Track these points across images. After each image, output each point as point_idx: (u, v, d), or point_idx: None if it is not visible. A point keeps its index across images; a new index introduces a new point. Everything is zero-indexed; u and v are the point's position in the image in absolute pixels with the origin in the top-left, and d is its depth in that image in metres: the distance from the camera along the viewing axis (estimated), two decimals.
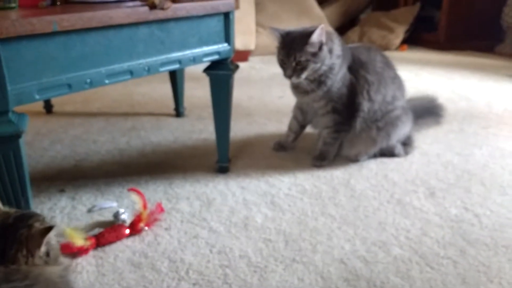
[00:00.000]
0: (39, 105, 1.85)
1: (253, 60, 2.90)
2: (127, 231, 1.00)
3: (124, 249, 0.97)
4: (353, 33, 3.35)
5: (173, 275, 0.89)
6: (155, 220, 1.05)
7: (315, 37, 1.22)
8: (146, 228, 1.03)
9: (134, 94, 2.15)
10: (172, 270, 0.91)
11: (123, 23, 0.92)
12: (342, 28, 3.59)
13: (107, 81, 0.93)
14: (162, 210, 1.09)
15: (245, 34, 2.79)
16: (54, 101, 1.88)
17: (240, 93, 2.14)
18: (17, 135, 0.78)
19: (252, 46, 2.85)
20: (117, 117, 1.82)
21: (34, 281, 0.62)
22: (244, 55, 2.87)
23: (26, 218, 0.68)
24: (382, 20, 3.30)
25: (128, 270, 0.91)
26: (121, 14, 0.90)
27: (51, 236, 0.67)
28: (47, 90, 0.85)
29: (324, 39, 1.24)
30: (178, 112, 1.82)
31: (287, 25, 1.59)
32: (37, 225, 0.67)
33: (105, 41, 0.93)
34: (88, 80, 0.92)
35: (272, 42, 3.22)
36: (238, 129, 1.67)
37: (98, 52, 0.92)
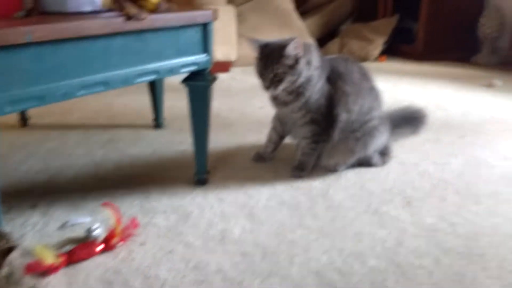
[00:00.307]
0: (14, 118, 1.81)
1: (234, 71, 2.91)
2: (100, 247, 0.97)
3: (96, 266, 0.94)
4: (334, 44, 3.40)
5: None
6: (129, 235, 1.03)
7: (289, 50, 1.23)
8: (120, 243, 1.01)
9: (114, 104, 2.13)
10: (145, 287, 0.89)
11: (97, 34, 0.91)
12: (323, 39, 3.64)
13: (81, 93, 0.92)
14: (136, 225, 1.06)
15: (227, 45, 2.80)
16: (31, 113, 1.84)
17: (220, 104, 2.14)
18: None
19: (233, 57, 2.86)
20: (96, 129, 1.79)
21: None
22: (225, 66, 2.88)
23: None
24: (361, 31, 3.36)
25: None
26: (95, 25, 0.90)
27: (15, 257, 0.65)
28: (18, 102, 0.83)
29: (300, 52, 1.25)
30: (158, 123, 1.80)
31: (268, 36, 1.60)
32: (1, 244, 0.65)
33: (79, 52, 0.91)
34: (62, 92, 0.90)
35: (253, 53, 3.25)
36: (218, 140, 1.66)
37: (72, 63, 0.91)
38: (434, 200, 1.24)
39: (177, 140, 1.67)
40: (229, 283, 0.90)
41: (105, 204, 1.04)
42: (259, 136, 1.71)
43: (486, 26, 3.17)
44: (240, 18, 3.06)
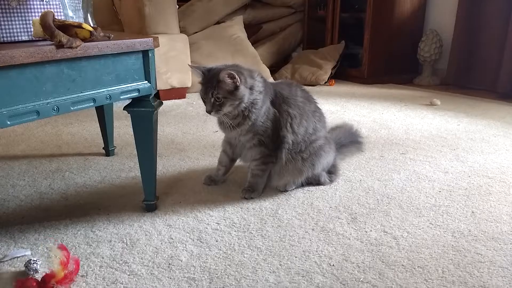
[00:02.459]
0: None
1: (190, 97, 2.93)
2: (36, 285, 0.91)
3: None
4: (286, 70, 3.52)
5: None
6: (70, 281, 0.96)
7: (222, 77, 1.26)
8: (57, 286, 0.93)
9: (63, 134, 2.07)
10: None
11: (26, 62, 0.89)
12: (276, 65, 3.76)
13: (9, 122, 0.88)
14: (78, 269, 0.99)
15: (181, 72, 2.82)
16: None
17: (175, 129, 2.14)
18: None
19: (188, 83, 2.89)
20: (42, 159, 1.73)
21: None
22: (181, 92, 2.89)
23: None
24: (311, 57, 3.51)
25: None
26: (23, 53, 0.88)
27: None
28: None
29: (237, 79, 1.27)
30: (108, 150, 1.76)
31: (222, 63, 1.63)
32: None
33: (7, 81, 0.89)
34: None
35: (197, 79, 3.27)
36: (170, 165, 1.65)
37: (0, 91, 0.88)
38: (378, 215, 1.29)
39: (127, 167, 1.64)
40: None
41: (60, 247, 0.97)
42: (212, 159, 1.72)
43: (425, 50, 3.41)
44: (194, 46, 3.10)
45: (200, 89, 1.33)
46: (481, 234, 1.18)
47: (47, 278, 0.94)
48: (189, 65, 1.37)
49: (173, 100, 2.78)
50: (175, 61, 2.79)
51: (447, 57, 3.37)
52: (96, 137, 1.96)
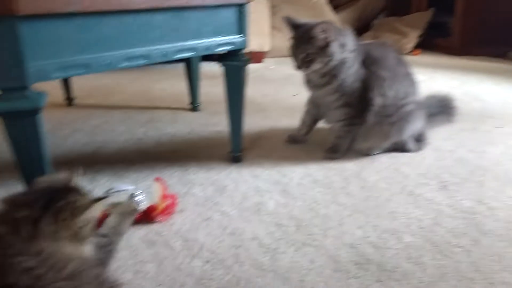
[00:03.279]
0: (60, 98, 1.91)
1: (267, 62, 2.94)
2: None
3: (138, 227, 0.99)
4: (367, 38, 3.37)
5: (186, 252, 0.91)
6: (170, 213, 1.04)
7: (316, 32, 1.24)
8: (159, 218, 1.02)
9: (152, 89, 2.20)
10: (185, 248, 0.93)
11: (139, 8, 0.95)
12: (356, 32, 3.60)
13: (124, 64, 0.95)
14: (177, 204, 1.07)
15: (260, 35, 2.83)
16: (75, 94, 1.93)
17: (254, 91, 2.17)
18: (35, 111, 0.78)
19: (266, 48, 2.89)
20: (136, 110, 1.87)
21: (44, 261, 0.57)
22: (259, 56, 2.91)
23: (75, 188, 0.71)
24: (395, 25, 3.32)
25: (143, 246, 0.93)
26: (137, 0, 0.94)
27: (94, 210, 0.68)
28: (65, 69, 0.85)
29: (330, 35, 1.25)
30: (194, 106, 1.85)
31: None
32: (85, 197, 0.69)
33: (122, 25, 0.94)
34: (107, 62, 0.92)
35: (285, 45, 3.24)
36: (252, 123, 1.69)
37: (116, 35, 0.93)
38: (472, 185, 1.22)
39: (212, 122, 1.71)
40: (265, 249, 0.93)
41: (156, 179, 1.07)
42: (291, 120, 1.73)
43: None
44: (274, 10, 3.08)
45: (290, 44, 1.32)
46: None
47: (150, 210, 1.03)
48: (282, 18, 1.36)
49: (250, 64, 2.81)
50: (255, 24, 2.78)
51: None
52: (182, 94, 2.06)
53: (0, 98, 0.75)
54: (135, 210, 0.99)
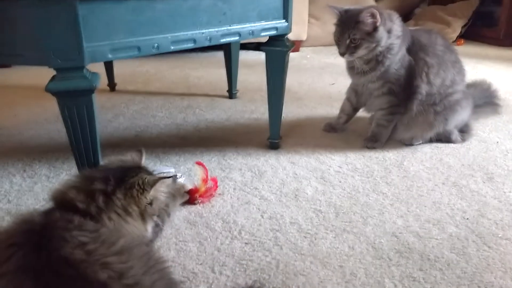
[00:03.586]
0: (103, 83, 1.97)
1: (304, 51, 2.91)
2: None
3: (180, 208, 1.02)
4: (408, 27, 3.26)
5: (226, 234, 0.93)
6: (211, 195, 1.07)
7: (363, 17, 1.21)
8: (200, 200, 1.05)
9: (190, 77, 2.24)
10: (225, 229, 0.94)
11: None
12: None
13: (172, 47, 0.98)
14: (217, 187, 1.10)
15: (298, 24, 2.79)
16: (116, 80, 1.99)
17: (291, 79, 2.14)
18: (91, 90, 0.82)
19: (304, 37, 2.86)
20: (175, 96, 1.90)
21: (98, 237, 0.59)
22: (296, 45, 2.87)
23: (144, 167, 0.76)
24: (438, 14, 3.19)
25: (184, 227, 0.96)
26: None
27: (161, 189, 0.73)
28: (118, 50, 0.88)
29: (378, 20, 1.23)
30: (231, 94, 1.87)
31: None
32: (152, 175, 0.75)
33: (171, 8, 0.97)
34: (156, 45, 0.95)
35: (323, 34, 3.20)
36: (289, 111, 1.69)
37: (165, 18, 0.95)
38: None
39: (249, 109, 1.72)
40: (304, 234, 0.93)
41: (198, 163, 1.09)
42: (329, 109, 1.71)
43: None
44: None
45: (334, 31, 1.30)
46: None
47: (192, 192, 1.06)
48: (328, 5, 1.34)
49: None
50: (293, 12, 2.77)
51: None
52: (219, 81, 2.08)
53: (57, 77, 0.79)
54: (185, 192, 1.02)
